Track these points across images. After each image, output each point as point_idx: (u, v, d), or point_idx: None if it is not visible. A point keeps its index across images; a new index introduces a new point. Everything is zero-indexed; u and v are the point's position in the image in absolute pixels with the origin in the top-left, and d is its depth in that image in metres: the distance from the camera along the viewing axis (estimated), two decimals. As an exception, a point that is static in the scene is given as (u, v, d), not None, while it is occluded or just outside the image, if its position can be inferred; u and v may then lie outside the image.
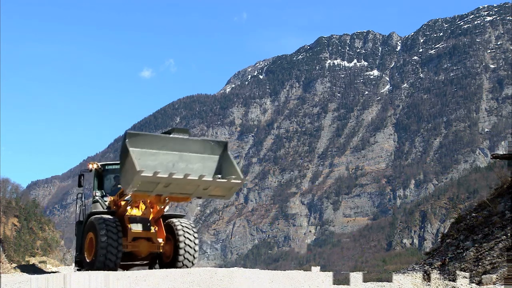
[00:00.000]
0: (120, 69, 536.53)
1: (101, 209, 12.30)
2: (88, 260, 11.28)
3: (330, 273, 9.21)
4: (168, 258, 11.66)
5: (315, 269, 11.03)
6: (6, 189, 67.40)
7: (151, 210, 11.50)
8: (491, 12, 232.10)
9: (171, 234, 11.69)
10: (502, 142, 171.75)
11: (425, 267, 12.68)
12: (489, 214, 13.18)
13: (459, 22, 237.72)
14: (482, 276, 10.47)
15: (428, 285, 10.26)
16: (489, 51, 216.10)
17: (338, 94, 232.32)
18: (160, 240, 11.64)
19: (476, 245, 12.07)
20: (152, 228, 11.62)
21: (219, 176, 9.67)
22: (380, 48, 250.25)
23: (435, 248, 14.66)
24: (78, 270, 12.78)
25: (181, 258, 11.35)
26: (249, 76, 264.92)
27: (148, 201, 11.47)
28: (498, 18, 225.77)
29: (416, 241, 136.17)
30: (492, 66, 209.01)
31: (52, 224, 74.11)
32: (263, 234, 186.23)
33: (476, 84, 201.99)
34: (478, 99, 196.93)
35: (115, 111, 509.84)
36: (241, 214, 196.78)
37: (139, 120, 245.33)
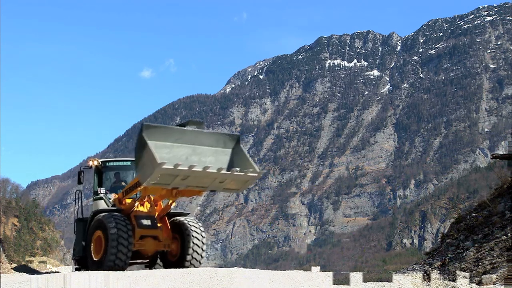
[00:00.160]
0: (120, 69, 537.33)
1: (105, 207, 12.05)
2: (95, 259, 10.95)
3: (330, 273, 9.21)
4: (174, 257, 11.46)
5: (315, 269, 11.03)
6: (6, 189, 67.44)
7: (155, 207, 11.38)
8: (491, 12, 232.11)
9: (178, 232, 11.48)
10: (502, 142, 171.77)
11: (425, 267, 12.67)
12: (489, 214, 13.17)
13: (459, 22, 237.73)
14: (482, 276, 10.46)
15: (428, 285, 10.26)
16: (489, 51, 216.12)
17: (338, 94, 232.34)
18: (167, 238, 11.43)
19: (476, 245, 12.06)
20: (159, 226, 11.40)
21: (237, 169, 9.59)
22: (380, 48, 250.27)
23: (435, 248, 14.66)
24: (77, 269, 12.63)
25: (189, 257, 11.17)
26: (249, 76, 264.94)
27: (153, 198, 11.37)
28: (498, 18, 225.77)
29: (416, 241, 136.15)
30: (492, 66, 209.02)
31: (52, 224, 74.05)
32: (263, 234, 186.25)
33: (476, 84, 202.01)
34: (478, 99, 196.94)
35: (115, 111, 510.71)
36: (241, 214, 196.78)
37: (139, 120, 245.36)
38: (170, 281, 8.27)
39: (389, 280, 10.23)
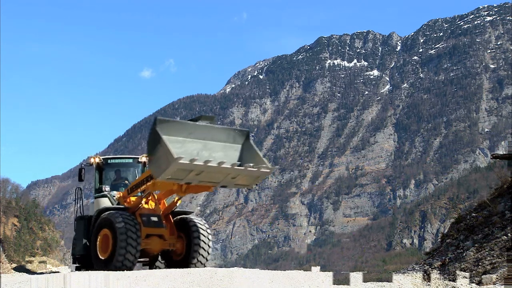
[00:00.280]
0: (120, 69, 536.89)
1: (109, 204, 11.84)
2: (102, 258, 10.75)
3: (330, 273, 9.22)
4: (179, 257, 11.31)
5: (315, 269, 11.03)
6: (6, 189, 67.38)
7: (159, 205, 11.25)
8: (491, 12, 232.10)
9: (183, 231, 11.32)
10: (502, 142, 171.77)
11: (425, 267, 12.67)
12: (489, 214, 13.17)
13: (459, 22, 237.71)
14: (482, 276, 10.46)
15: (428, 285, 10.26)
16: (489, 51, 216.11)
17: (338, 94, 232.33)
18: (172, 237, 11.27)
19: (476, 245, 12.06)
20: (163, 224, 11.24)
21: (251, 164, 9.56)
22: (380, 48, 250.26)
23: (435, 248, 14.65)
24: (77, 268, 12.53)
25: (195, 257, 11.05)
26: (249, 76, 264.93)
27: (156, 196, 11.21)
28: (498, 18, 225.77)
29: (416, 241, 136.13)
30: (492, 66, 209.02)
31: (52, 224, 74.05)
32: (263, 234, 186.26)
33: (476, 84, 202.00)
34: (478, 99, 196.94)
35: (115, 111, 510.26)
36: (241, 214, 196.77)
37: (139, 120, 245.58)
38: (170, 281, 8.27)
39: (389, 280, 10.23)
